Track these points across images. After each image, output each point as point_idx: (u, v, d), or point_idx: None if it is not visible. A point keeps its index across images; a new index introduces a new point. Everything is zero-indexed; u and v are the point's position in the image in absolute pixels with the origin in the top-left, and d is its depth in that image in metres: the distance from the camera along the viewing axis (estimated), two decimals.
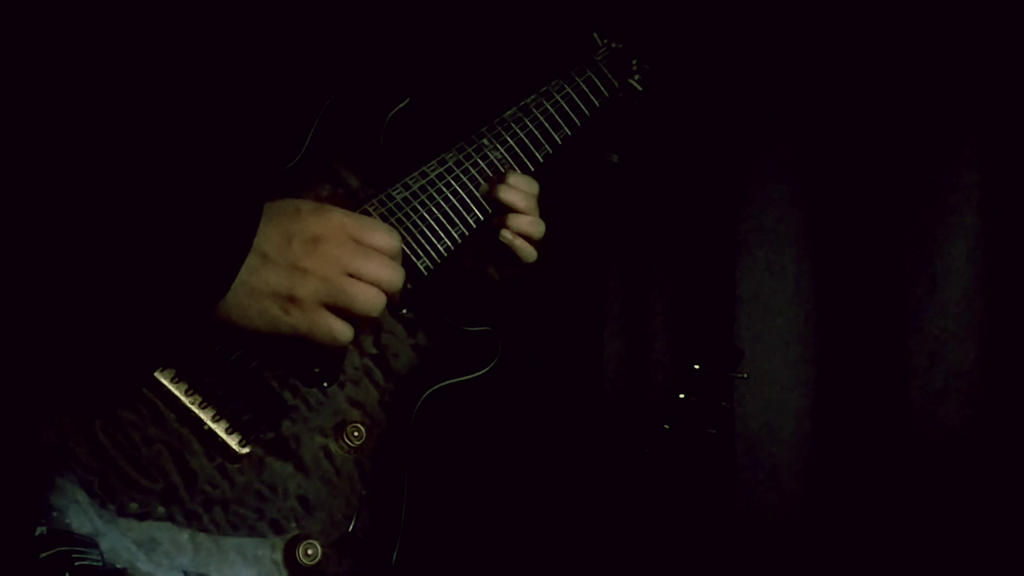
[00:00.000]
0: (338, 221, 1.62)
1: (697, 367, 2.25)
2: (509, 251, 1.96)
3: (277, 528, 1.64)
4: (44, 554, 1.42)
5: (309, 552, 1.64)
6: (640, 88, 2.26)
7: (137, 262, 1.48)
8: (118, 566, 1.48)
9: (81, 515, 1.47)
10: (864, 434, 2.69)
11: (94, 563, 1.45)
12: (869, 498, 2.68)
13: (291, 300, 1.56)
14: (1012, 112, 2.57)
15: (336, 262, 1.58)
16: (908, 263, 2.66)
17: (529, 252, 1.96)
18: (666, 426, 2.23)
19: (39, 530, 1.43)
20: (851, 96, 2.70)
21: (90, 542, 1.46)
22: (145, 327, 1.52)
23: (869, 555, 2.67)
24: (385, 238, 1.65)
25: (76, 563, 1.43)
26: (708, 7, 2.56)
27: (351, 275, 1.59)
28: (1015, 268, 2.57)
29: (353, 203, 1.83)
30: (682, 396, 2.23)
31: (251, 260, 1.54)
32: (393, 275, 1.64)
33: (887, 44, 2.65)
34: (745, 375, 2.31)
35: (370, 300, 1.60)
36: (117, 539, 1.49)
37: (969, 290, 2.62)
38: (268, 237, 1.55)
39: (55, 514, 1.45)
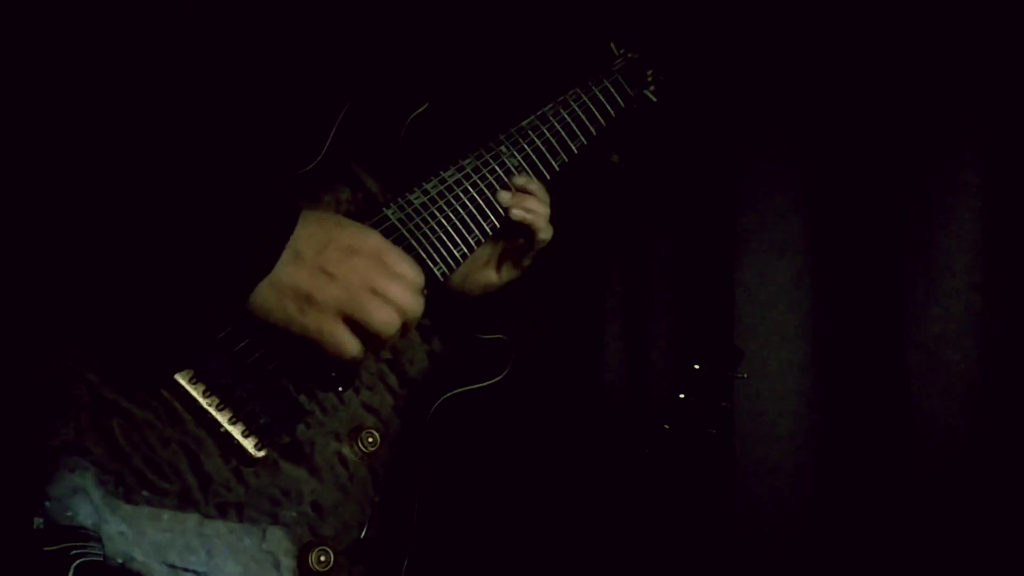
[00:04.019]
0: (374, 242, 1.64)
1: (697, 367, 2.25)
2: (515, 246, 2.01)
3: (290, 533, 1.63)
4: (48, 548, 1.40)
5: (322, 559, 1.63)
6: (655, 99, 2.27)
7: (174, 255, 1.49)
8: (120, 561, 1.46)
9: (90, 509, 1.45)
10: (864, 434, 2.70)
11: (96, 558, 1.43)
12: (869, 498, 2.68)
13: (309, 301, 1.58)
14: (1012, 112, 2.58)
15: (363, 276, 1.60)
16: (908, 263, 2.67)
17: (542, 230, 2.00)
18: (666, 426, 2.23)
19: (36, 523, 1.41)
20: (851, 97, 2.70)
21: (93, 535, 1.44)
22: (179, 319, 1.52)
23: (869, 555, 2.68)
24: (412, 270, 1.67)
25: (78, 560, 1.42)
26: (711, 9, 2.56)
27: (373, 290, 1.61)
28: (1015, 268, 2.58)
29: (372, 206, 1.83)
30: (682, 396, 2.23)
31: (284, 255, 1.56)
32: (413, 302, 1.65)
33: (887, 45, 2.66)
34: (745, 375, 2.31)
35: (386, 320, 1.62)
36: (127, 537, 1.48)
37: (969, 290, 2.63)
38: (306, 238, 1.58)
39: (55, 507, 1.43)
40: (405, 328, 1.66)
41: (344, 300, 1.59)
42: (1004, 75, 2.59)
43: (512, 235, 2.02)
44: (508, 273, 2.07)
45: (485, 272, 2.05)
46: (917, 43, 2.64)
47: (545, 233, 2.00)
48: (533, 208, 1.97)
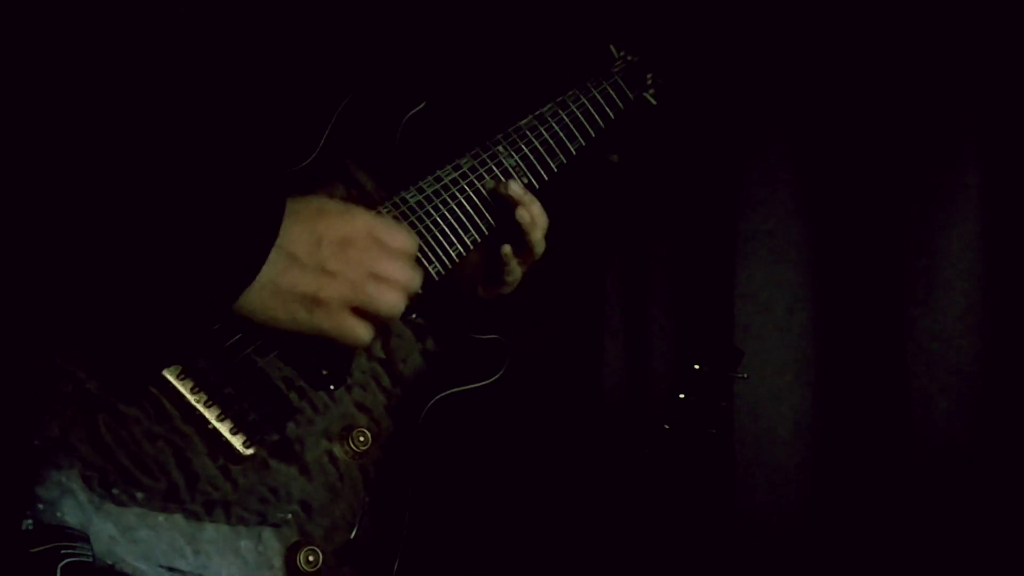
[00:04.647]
0: (362, 223, 1.63)
1: (697, 367, 2.25)
2: (498, 268, 2.00)
3: (278, 533, 1.63)
4: (35, 550, 1.40)
5: (310, 559, 1.62)
6: (654, 102, 2.25)
7: (162, 254, 1.48)
8: (108, 562, 1.46)
9: (76, 508, 1.45)
10: (864, 434, 2.70)
11: (84, 558, 1.43)
12: (868, 498, 2.68)
13: (317, 302, 1.58)
14: (1012, 112, 2.58)
15: (361, 265, 1.60)
16: (908, 263, 2.66)
17: (538, 243, 1.99)
18: (666, 426, 2.23)
19: (25, 524, 1.41)
20: (852, 97, 2.70)
21: (81, 536, 1.44)
22: (167, 319, 1.52)
23: (868, 555, 2.67)
24: (405, 239, 1.67)
25: (66, 560, 1.42)
26: (711, 9, 2.56)
27: (375, 277, 1.61)
28: (1015, 268, 2.58)
29: (367, 204, 1.82)
30: (682, 396, 2.23)
31: (279, 260, 1.55)
32: (413, 276, 1.66)
33: (887, 45, 2.65)
34: (745, 375, 2.32)
35: (392, 302, 1.63)
36: (114, 537, 1.47)
37: (969, 290, 2.62)
38: (296, 238, 1.57)
39: (45, 507, 1.43)
40: (410, 299, 1.68)
41: (349, 294, 1.59)
42: (1004, 75, 2.58)
43: (504, 243, 1.99)
44: (494, 290, 2.05)
45: (471, 286, 2.04)
46: (917, 43, 2.64)
47: (539, 246, 1.98)
48: (536, 217, 1.96)
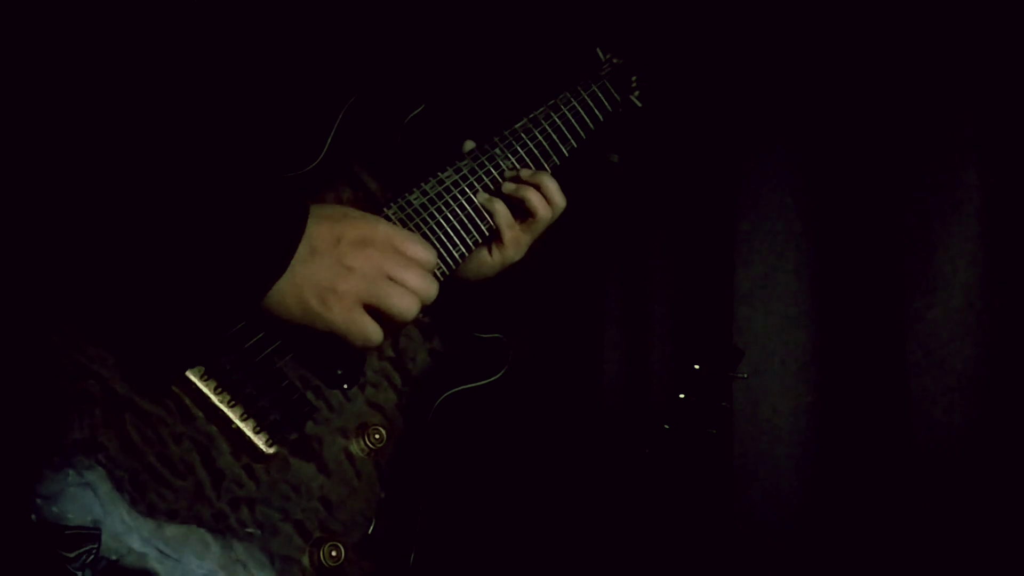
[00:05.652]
0: (384, 230, 1.67)
1: (697, 367, 2.25)
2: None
3: (301, 529, 1.65)
4: (67, 553, 1.41)
5: (333, 554, 1.65)
6: (640, 104, 2.29)
7: (191, 251, 1.51)
8: (114, 557, 1.46)
9: (97, 506, 1.45)
10: (863, 434, 2.69)
11: (92, 555, 1.44)
12: (868, 498, 2.68)
13: (333, 293, 1.59)
14: (1012, 112, 2.58)
15: (379, 265, 1.63)
16: (907, 263, 2.66)
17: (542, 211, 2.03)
18: (666, 426, 2.23)
19: (39, 516, 1.42)
20: (851, 96, 2.70)
21: (94, 533, 1.44)
22: (198, 316, 1.55)
23: (868, 555, 2.68)
24: (424, 252, 1.70)
25: (103, 562, 1.44)
26: (706, 9, 2.56)
27: (390, 279, 1.64)
28: (1015, 268, 2.58)
29: (373, 206, 1.86)
30: (682, 396, 2.23)
31: (300, 250, 1.58)
32: (429, 286, 1.69)
33: (886, 44, 2.66)
34: (745, 375, 2.32)
35: (405, 305, 1.65)
36: (143, 535, 1.48)
37: (969, 290, 2.62)
38: (318, 233, 1.60)
39: (61, 504, 1.43)
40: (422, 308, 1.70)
41: (364, 290, 1.62)
42: (1004, 75, 2.59)
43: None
44: (500, 255, 2.07)
45: (478, 254, 2.05)
46: (917, 42, 2.64)
47: (543, 212, 2.02)
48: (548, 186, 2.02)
